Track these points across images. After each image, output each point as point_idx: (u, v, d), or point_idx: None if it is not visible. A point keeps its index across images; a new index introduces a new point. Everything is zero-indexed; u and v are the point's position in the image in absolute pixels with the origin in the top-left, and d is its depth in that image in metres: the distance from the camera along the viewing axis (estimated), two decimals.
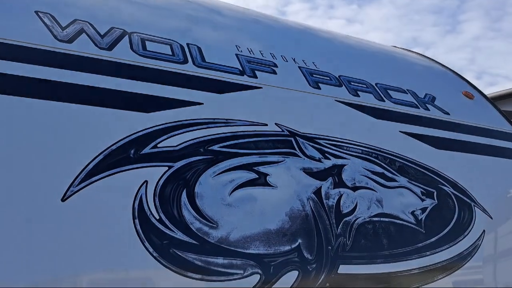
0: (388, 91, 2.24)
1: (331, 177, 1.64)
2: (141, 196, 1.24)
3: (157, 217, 1.24)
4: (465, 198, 1.94)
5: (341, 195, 1.62)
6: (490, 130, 2.43)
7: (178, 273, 1.21)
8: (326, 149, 1.71)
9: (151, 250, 1.19)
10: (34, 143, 1.18)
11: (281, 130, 1.65)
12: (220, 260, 1.29)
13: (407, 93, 2.33)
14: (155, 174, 1.29)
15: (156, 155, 1.33)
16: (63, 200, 1.13)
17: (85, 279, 1.10)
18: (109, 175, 1.22)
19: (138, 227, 1.20)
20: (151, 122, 1.38)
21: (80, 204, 1.14)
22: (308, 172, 1.61)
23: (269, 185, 1.49)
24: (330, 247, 1.50)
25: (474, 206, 1.94)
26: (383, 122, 2.01)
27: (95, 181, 1.19)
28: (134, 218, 1.20)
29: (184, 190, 1.32)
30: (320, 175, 1.62)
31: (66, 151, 1.21)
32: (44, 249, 1.07)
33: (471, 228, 1.86)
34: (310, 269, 1.43)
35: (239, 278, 1.30)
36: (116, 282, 1.15)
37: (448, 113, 2.34)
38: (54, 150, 1.20)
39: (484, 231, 1.90)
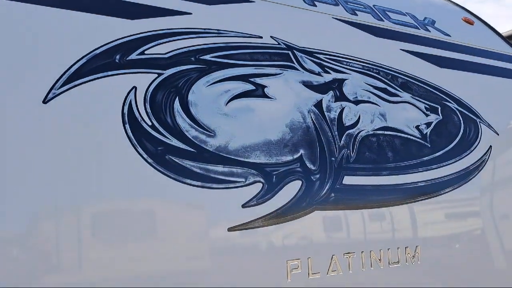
0: (387, 12, 2.13)
1: (332, 91, 1.56)
2: (130, 102, 1.15)
3: (150, 123, 1.16)
4: (470, 115, 1.87)
5: (343, 108, 1.54)
6: (492, 52, 2.34)
7: (176, 180, 1.14)
8: (325, 64, 1.61)
9: (145, 156, 1.11)
10: (16, 45, 1.08)
11: (277, 43, 1.55)
12: (220, 168, 1.22)
13: (406, 15, 2.22)
14: (143, 80, 1.20)
15: (144, 62, 1.23)
16: (44, 102, 1.04)
17: (73, 183, 1.03)
18: (94, 79, 1.12)
19: (129, 132, 1.11)
20: (136, 29, 1.28)
21: (63, 107, 1.05)
22: (308, 85, 1.52)
23: (267, 97, 1.41)
24: (333, 159, 1.43)
25: (479, 122, 1.88)
26: (383, 40, 1.91)
27: (79, 84, 1.10)
28: (124, 123, 1.12)
29: (177, 98, 1.23)
30: (320, 88, 1.54)
31: (48, 54, 1.11)
32: (27, 152, 0.99)
33: (478, 144, 1.81)
34: (314, 180, 1.37)
35: (241, 186, 1.24)
36: (107, 188, 1.07)
37: (449, 35, 2.24)
38: (35, 53, 1.10)
39: (490, 146, 1.84)
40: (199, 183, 1.17)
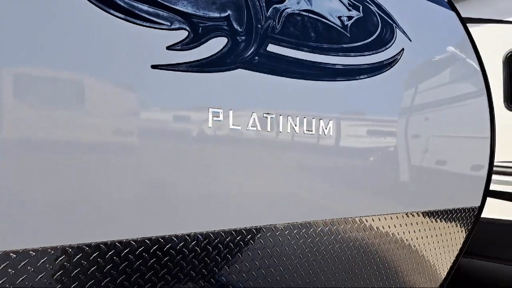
0: None
1: None
2: None
3: None
4: (388, 19, 2.02)
5: None
6: None
7: (100, 8, 1.13)
8: None
9: None
10: None
11: None
12: (145, 7, 1.22)
13: None
14: None
15: None
16: None
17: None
18: None
19: None
20: None
21: None
22: None
23: None
24: (259, 26, 1.49)
25: (395, 27, 2.04)
26: None
27: None
28: None
29: None
30: None
31: None
32: None
33: (392, 43, 1.97)
34: (240, 40, 1.43)
35: (166, 29, 1.26)
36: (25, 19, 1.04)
37: None
38: None
39: (403, 48, 2.02)
40: (122, 16, 1.17)
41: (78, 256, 1.15)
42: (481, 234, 3.91)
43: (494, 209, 4.00)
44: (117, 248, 1.22)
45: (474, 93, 2.43)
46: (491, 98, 2.47)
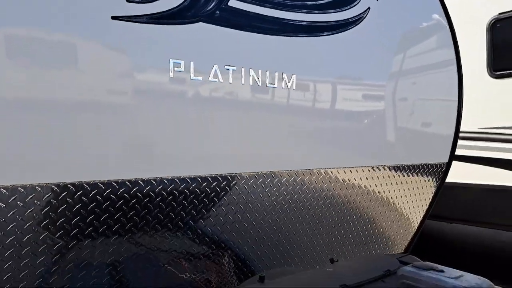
0: None
1: None
2: None
3: None
4: None
5: None
6: None
7: None
8: None
9: None
10: None
11: None
12: None
13: None
14: None
15: None
16: None
17: None
18: None
19: None
20: None
21: None
22: None
23: None
24: None
25: None
26: None
27: None
28: None
29: None
30: None
31: None
32: None
33: (358, 2, 2.02)
34: None
35: None
36: None
37: None
38: None
39: (369, 8, 2.07)
40: None
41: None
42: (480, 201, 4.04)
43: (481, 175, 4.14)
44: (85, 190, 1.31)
45: (443, 58, 2.49)
46: (460, 64, 2.53)
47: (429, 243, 4.38)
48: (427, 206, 2.56)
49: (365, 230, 2.24)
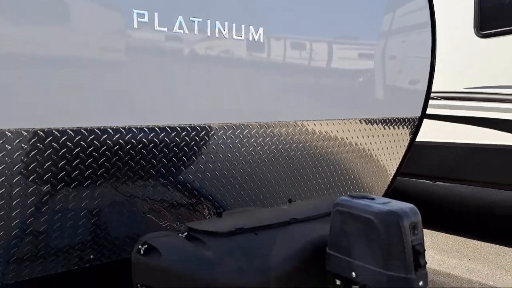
0: None
1: None
2: None
3: None
4: None
5: None
6: None
7: None
8: None
9: None
10: None
11: None
12: None
13: None
14: None
15: None
16: None
17: None
18: None
19: None
20: None
21: None
22: None
23: None
24: None
25: None
26: None
27: None
28: None
29: None
30: None
31: None
32: None
33: None
34: None
35: None
36: None
37: None
38: None
39: None
40: None
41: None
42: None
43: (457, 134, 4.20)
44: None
45: (418, 19, 2.50)
46: (435, 24, 2.52)
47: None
48: (401, 160, 2.65)
49: (338, 182, 2.33)
